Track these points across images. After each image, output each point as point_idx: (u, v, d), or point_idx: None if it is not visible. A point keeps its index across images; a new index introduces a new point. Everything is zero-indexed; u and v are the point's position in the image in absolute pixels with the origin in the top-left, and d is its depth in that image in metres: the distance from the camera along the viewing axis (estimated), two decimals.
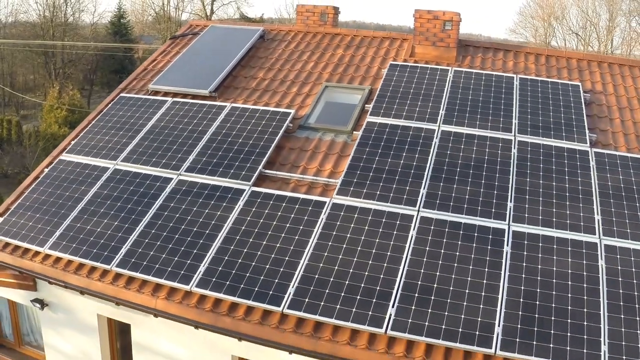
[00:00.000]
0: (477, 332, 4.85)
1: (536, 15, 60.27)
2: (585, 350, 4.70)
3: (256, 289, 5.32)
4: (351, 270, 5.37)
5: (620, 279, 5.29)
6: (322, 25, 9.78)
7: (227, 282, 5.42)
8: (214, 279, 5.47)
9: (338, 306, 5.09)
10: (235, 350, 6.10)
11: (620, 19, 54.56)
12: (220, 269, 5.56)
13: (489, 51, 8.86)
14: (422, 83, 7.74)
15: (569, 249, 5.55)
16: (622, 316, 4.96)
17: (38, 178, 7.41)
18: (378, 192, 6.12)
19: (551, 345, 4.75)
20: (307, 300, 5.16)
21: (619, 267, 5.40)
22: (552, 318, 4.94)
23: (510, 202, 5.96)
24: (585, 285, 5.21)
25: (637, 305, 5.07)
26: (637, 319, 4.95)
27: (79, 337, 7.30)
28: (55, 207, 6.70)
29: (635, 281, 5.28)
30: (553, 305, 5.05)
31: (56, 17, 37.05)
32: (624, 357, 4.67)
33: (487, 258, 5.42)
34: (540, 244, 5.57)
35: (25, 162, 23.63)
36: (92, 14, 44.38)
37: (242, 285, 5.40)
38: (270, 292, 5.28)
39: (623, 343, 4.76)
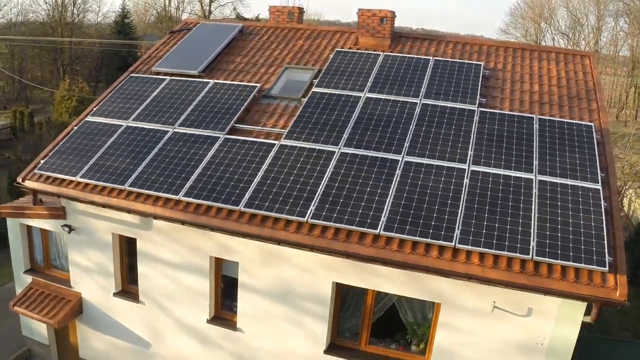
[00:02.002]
0: (368, 220, 7.45)
1: (526, 16, 63.06)
2: (443, 233, 7.27)
3: (223, 196, 7.97)
4: (288, 185, 8.01)
5: (477, 191, 7.86)
6: (289, 22, 12.48)
7: (204, 193, 8.08)
8: (195, 191, 8.13)
9: (277, 205, 7.73)
10: (214, 251, 8.76)
11: (608, 19, 57.16)
12: (200, 185, 8.21)
13: (417, 41, 11.51)
14: (357, 64, 10.40)
15: (444, 172, 8.14)
16: (475, 213, 7.53)
17: (69, 134, 10.12)
18: (313, 137, 8.77)
19: (419, 229, 7.35)
20: (256, 202, 7.80)
21: (479, 184, 7.97)
22: (422, 213, 7.53)
23: (407, 142, 8.58)
24: (451, 194, 7.79)
25: (486, 207, 7.63)
26: (485, 215, 7.51)
27: (97, 253, 9.97)
28: (83, 151, 9.39)
29: (488, 192, 7.85)
30: (425, 205, 7.64)
31: (63, 16, 40.05)
32: (471, 237, 7.25)
33: (383, 177, 8.03)
34: (423, 169, 8.17)
35: (39, 148, 26.41)
36: (97, 13, 47.27)
37: (214, 195, 8.05)
38: (233, 198, 7.93)
39: (472, 229, 7.33)
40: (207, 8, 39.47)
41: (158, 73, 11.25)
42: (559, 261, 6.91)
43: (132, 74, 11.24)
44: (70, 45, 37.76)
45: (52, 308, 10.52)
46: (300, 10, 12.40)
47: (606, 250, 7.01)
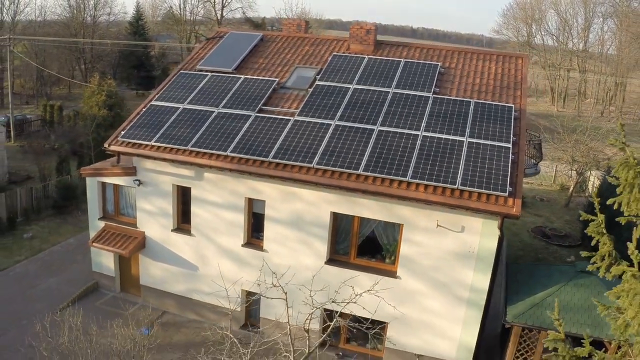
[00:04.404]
0: (353, 165, 11.69)
1: (518, 17, 67.49)
2: (401, 171, 11.50)
3: (257, 151, 12.23)
4: (300, 144, 12.28)
5: (426, 147, 12.09)
6: (298, 32, 16.76)
7: (244, 150, 12.34)
8: (238, 149, 12.38)
9: (293, 156, 11.98)
10: (247, 194, 13.00)
11: (596, 20, 61.54)
12: (240, 145, 12.47)
13: (394, 47, 15.80)
14: (349, 64, 14.68)
15: (404, 136, 12.39)
16: (422, 160, 11.75)
17: (139, 113, 14.35)
18: (317, 115, 13.05)
19: (385, 169, 11.58)
20: (280, 155, 12.07)
21: (427, 143, 12.21)
22: (388, 160, 11.76)
23: (380, 117, 12.84)
24: (408, 149, 12.02)
25: (430, 156, 11.85)
26: (429, 161, 11.73)
27: (160, 200, 14.19)
28: (154, 124, 13.65)
29: (433, 148, 12.07)
30: (390, 156, 11.88)
31: (81, 17, 44.50)
32: (419, 174, 11.47)
33: (363, 140, 12.29)
34: (390, 134, 12.42)
35: (71, 137, 30.38)
36: (108, 14, 51.63)
37: (251, 151, 12.30)
38: (264, 152, 12.19)
39: (420, 170, 11.56)
40: (220, 13, 43.93)
41: (201, 70, 15.51)
42: (475, 189, 11.13)
43: (181, 71, 15.51)
44: (92, 46, 42.08)
45: (123, 243, 14.75)
46: (307, 23, 16.68)
47: (508, 184, 11.23)
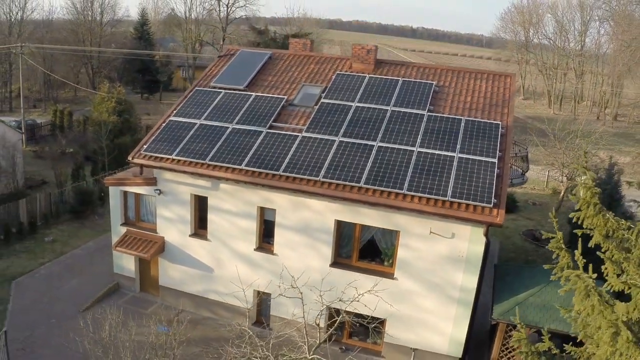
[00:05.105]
0: (355, 178, 13.18)
1: (516, 21, 68.96)
2: (398, 184, 12.99)
3: (269, 165, 13.71)
4: (307, 159, 13.76)
5: (420, 162, 13.59)
6: (304, 50, 18.22)
7: (257, 163, 13.82)
8: (251, 163, 13.87)
9: (302, 170, 13.46)
10: (260, 203, 14.48)
11: (593, 23, 63.03)
12: (254, 159, 13.95)
13: (393, 65, 17.27)
14: (351, 83, 16.17)
15: (401, 151, 13.87)
16: (417, 173, 13.24)
17: (159, 128, 15.82)
18: (322, 131, 14.54)
19: (384, 182, 13.06)
20: (289, 168, 13.54)
21: (421, 159, 13.70)
22: (387, 174, 13.23)
23: (380, 134, 14.33)
24: (404, 163, 13.51)
25: (423, 174, 13.35)
26: (423, 174, 13.21)
27: (179, 208, 15.68)
28: (174, 139, 15.14)
29: (426, 166, 13.56)
30: (388, 169, 13.36)
31: (91, 24, 46.03)
32: (414, 187, 12.97)
33: (364, 155, 13.78)
34: (389, 150, 13.90)
35: (81, 142, 31.75)
36: (112, 18, 53.11)
37: (263, 164, 13.78)
38: (275, 166, 13.67)
39: (415, 182, 13.06)
40: (225, 21, 45.49)
41: (215, 87, 16.99)
42: (464, 200, 12.62)
43: (197, 88, 16.99)
44: (99, 55, 43.53)
45: (145, 247, 16.24)
46: (312, 43, 18.15)
47: (493, 196, 12.71)
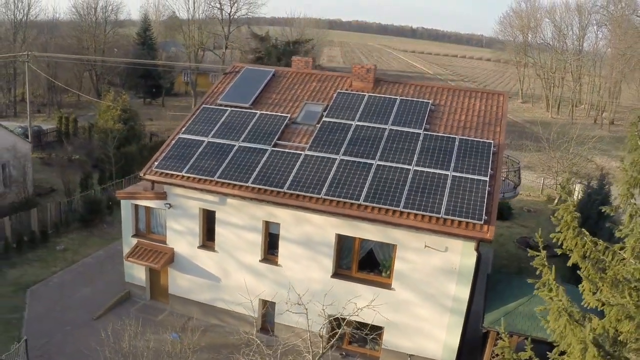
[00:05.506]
0: (355, 195, 14.13)
1: (515, 25, 69.89)
2: (395, 202, 13.92)
3: (274, 183, 14.64)
4: (310, 176, 14.70)
5: (416, 180, 14.53)
6: (306, 68, 19.15)
7: (263, 181, 14.75)
8: (257, 180, 14.80)
9: (305, 187, 14.40)
10: (265, 217, 15.42)
11: (590, 28, 63.98)
12: (259, 177, 14.89)
13: (391, 84, 18.20)
14: (351, 101, 17.10)
15: (398, 170, 14.81)
16: (413, 191, 14.18)
17: (169, 145, 16.75)
18: (324, 149, 15.48)
19: (382, 200, 14.00)
20: (293, 186, 14.48)
21: (417, 177, 14.64)
22: (385, 191, 14.17)
23: (378, 153, 15.26)
24: (401, 181, 14.46)
25: (419, 192, 14.29)
26: (419, 192, 14.15)
27: (188, 221, 16.62)
28: (183, 156, 16.07)
29: (421, 184, 14.49)
30: (386, 187, 14.30)
31: (95, 30, 46.92)
32: (410, 204, 13.90)
33: (364, 173, 14.71)
34: (387, 168, 14.84)
35: (87, 149, 32.60)
36: (113, 22, 54.00)
37: (268, 182, 14.72)
38: (279, 184, 14.60)
39: (411, 200, 13.99)
40: (227, 29, 46.46)
41: (221, 105, 17.92)
42: (456, 217, 13.56)
43: (204, 105, 17.92)
44: (103, 63, 44.43)
45: (155, 258, 17.17)
46: (313, 62, 19.08)
47: (484, 213, 13.64)
